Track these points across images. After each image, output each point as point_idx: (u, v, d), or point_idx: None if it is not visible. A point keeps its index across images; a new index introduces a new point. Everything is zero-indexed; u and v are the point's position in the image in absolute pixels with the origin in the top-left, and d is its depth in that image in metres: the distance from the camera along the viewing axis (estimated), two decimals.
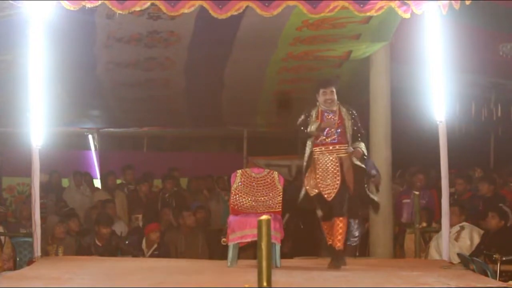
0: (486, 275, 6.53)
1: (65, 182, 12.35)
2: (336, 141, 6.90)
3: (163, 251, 8.89)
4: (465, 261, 7.10)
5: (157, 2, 6.81)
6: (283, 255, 7.18)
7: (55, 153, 10.88)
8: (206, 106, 12.43)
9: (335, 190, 6.76)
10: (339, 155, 6.85)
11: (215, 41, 8.97)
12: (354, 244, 9.41)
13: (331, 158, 6.84)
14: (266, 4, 6.98)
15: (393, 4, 7.11)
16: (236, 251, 6.87)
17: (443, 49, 7.26)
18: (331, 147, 6.88)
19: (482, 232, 8.39)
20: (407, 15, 7.21)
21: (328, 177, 6.79)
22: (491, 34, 8.50)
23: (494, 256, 7.57)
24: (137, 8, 6.88)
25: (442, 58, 7.28)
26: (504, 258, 7.49)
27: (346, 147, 6.89)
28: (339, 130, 6.91)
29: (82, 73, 10.03)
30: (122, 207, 11.14)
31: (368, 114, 9.40)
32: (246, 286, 5.57)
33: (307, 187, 6.90)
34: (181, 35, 8.82)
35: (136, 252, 8.87)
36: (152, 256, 8.77)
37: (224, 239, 6.99)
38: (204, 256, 9.37)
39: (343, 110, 6.99)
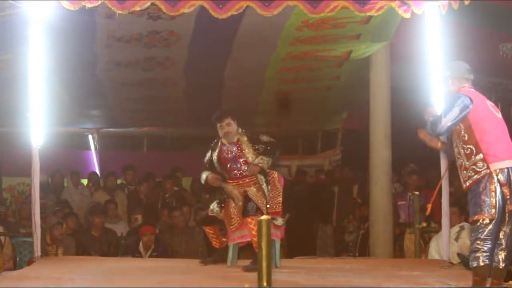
0: None
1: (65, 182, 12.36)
2: (238, 175, 6.71)
3: (161, 253, 8.86)
4: (465, 261, 7.09)
5: (157, 2, 6.81)
6: (283, 255, 7.18)
7: (55, 153, 10.86)
8: (206, 106, 12.41)
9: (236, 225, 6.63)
10: (244, 189, 6.68)
11: (215, 40, 8.96)
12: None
13: (239, 192, 6.66)
14: (266, 4, 6.97)
15: (393, 4, 7.11)
16: (236, 251, 6.86)
17: (443, 49, 7.25)
18: (240, 181, 6.72)
19: None
20: (407, 15, 7.20)
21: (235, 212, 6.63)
22: (491, 34, 8.50)
23: None
24: (137, 8, 6.88)
25: (442, 58, 7.28)
26: None
27: (250, 178, 6.69)
28: (241, 161, 6.69)
29: (82, 73, 10.03)
30: (122, 208, 11.13)
31: (368, 114, 9.40)
32: (246, 286, 5.58)
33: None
34: (181, 35, 8.82)
35: (135, 253, 8.84)
36: (151, 257, 8.75)
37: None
38: (203, 256, 9.34)
39: (243, 140, 6.76)
